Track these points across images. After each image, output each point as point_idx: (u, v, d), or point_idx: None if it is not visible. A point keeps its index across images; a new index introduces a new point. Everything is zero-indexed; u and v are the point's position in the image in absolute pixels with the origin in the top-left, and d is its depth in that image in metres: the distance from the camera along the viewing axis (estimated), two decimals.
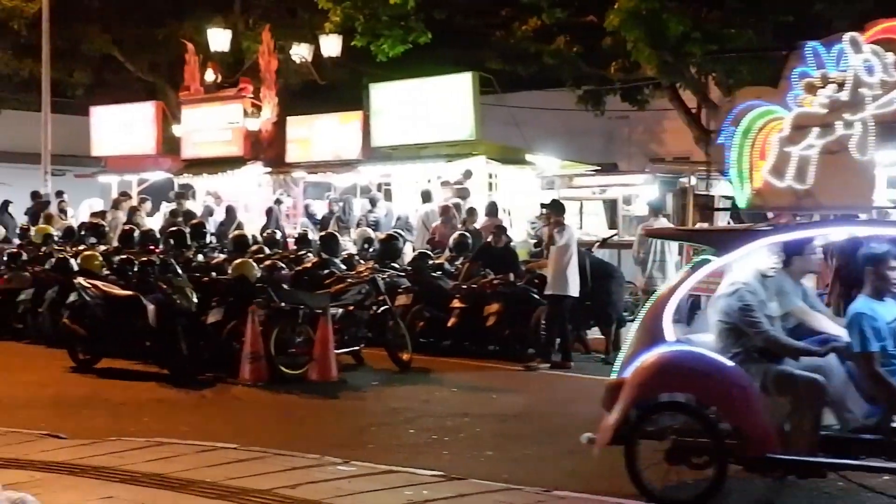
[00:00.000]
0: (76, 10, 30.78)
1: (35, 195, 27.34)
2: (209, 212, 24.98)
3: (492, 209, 20.95)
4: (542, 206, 19.72)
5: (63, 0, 29.50)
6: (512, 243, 18.63)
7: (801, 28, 21.38)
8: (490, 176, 23.20)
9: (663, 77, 24.02)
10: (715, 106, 24.31)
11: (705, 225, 20.07)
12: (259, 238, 19.79)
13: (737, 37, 21.37)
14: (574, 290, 15.52)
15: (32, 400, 12.71)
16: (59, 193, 27.91)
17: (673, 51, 22.09)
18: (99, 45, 32.19)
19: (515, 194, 23.04)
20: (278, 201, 24.64)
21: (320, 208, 24.71)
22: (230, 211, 24.86)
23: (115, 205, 25.88)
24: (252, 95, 27.45)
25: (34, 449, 9.28)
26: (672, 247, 16.92)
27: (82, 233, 21.68)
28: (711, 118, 25.24)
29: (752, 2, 21.60)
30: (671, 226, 17.25)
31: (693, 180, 19.99)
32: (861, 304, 8.25)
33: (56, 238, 21.01)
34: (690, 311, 19.25)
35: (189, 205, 25.39)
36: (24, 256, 19.28)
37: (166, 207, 26.02)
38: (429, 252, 18.70)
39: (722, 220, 20.43)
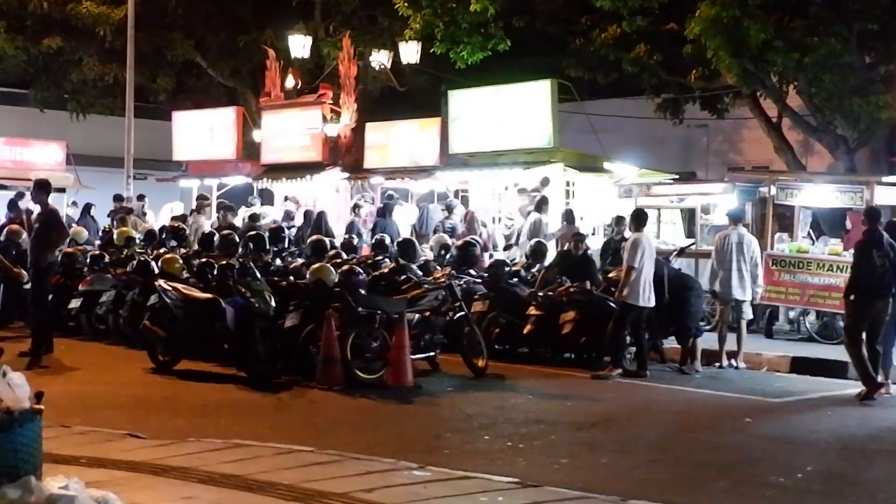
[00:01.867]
0: (160, 17, 31.22)
1: (117, 198, 27.74)
2: (289, 216, 25.17)
3: (569, 217, 20.94)
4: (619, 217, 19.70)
5: (148, 6, 29.93)
6: (590, 251, 18.60)
7: (886, 37, 21.15)
8: (567, 184, 23.15)
9: (744, 85, 23.84)
10: (795, 115, 24.10)
11: (785, 235, 19.97)
12: (337, 243, 19.92)
13: (820, 45, 21.14)
14: (643, 300, 15.43)
15: (113, 400, 12.89)
16: (141, 197, 28.31)
17: (754, 59, 21.92)
18: (182, 50, 32.58)
19: (593, 202, 22.96)
20: (356, 206, 24.72)
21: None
22: (308, 216, 25.03)
23: (198, 209, 26.16)
24: (331, 101, 27.61)
25: (115, 448, 9.41)
26: (748, 257, 16.75)
27: (163, 236, 21.95)
28: (792, 127, 25.05)
29: (837, 10, 21.36)
30: (749, 235, 17.06)
31: (773, 190, 19.78)
32: None
33: (138, 241, 21.28)
34: (769, 321, 19.21)
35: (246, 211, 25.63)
36: (107, 259, 19.54)
37: (245, 212, 26.25)
38: (505, 259, 18.71)
39: (802, 231, 20.34)
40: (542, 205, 21.49)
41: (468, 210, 22.50)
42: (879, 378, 14.33)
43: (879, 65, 22.24)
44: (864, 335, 14.10)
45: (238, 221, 25.17)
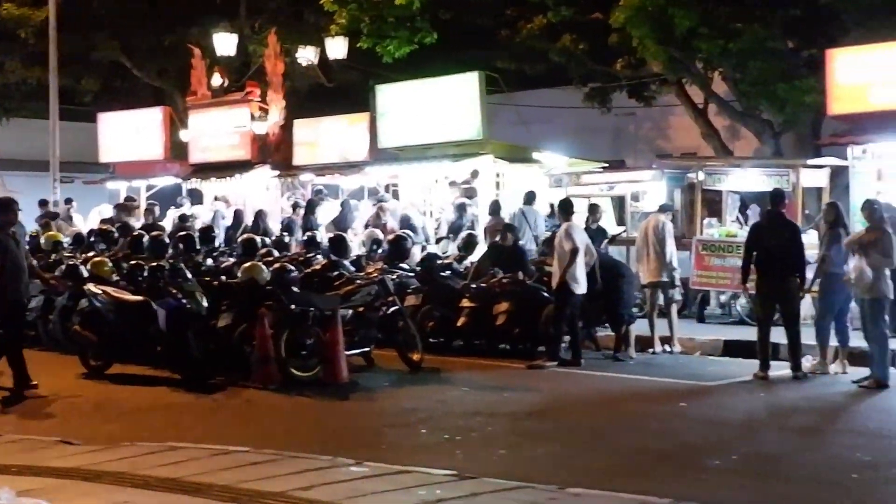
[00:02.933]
0: (84, 18, 30.85)
1: (42, 203, 27.39)
2: (219, 216, 25.04)
3: (495, 208, 20.96)
4: (551, 205, 19.78)
5: (71, 8, 29.57)
6: (521, 242, 18.65)
7: (810, 22, 21.37)
8: (497, 175, 23.20)
9: (670, 73, 24.01)
10: (722, 101, 24.30)
11: (714, 220, 20.15)
12: (268, 241, 19.82)
13: (744, 31, 21.32)
14: (580, 288, 15.50)
15: (45, 407, 12.73)
16: (68, 201, 27.98)
17: (680, 46, 22.07)
18: (107, 51, 32.28)
19: (523, 193, 23.01)
20: (296, 205, 24.56)
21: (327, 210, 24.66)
22: (238, 215, 24.91)
23: (127, 210, 25.92)
24: (259, 99, 27.47)
25: (48, 455, 9.29)
26: (670, 240, 16.98)
27: (91, 239, 21.70)
28: (718, 113, 25.26)
29: None
30: (669, 224, 17.25)
31: (701, 176, 19.95)
32: None
33: (66, 245, 21.01)
34: (700, 306, 19.37)
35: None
36: (35, 263, 19.26)
37: (174, 212, 26.06)
38: (437, 252, 18.72)
39: (730, 215, 20.54)
40: (471, 197, 21.54)
41: (379, 203, 22.51)
42: (810, 358, 14.58)
43: (803, 50, 22.47)
44: (772, 315, 14.46)
45: (168, 222, 25.00)
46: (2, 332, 13.66)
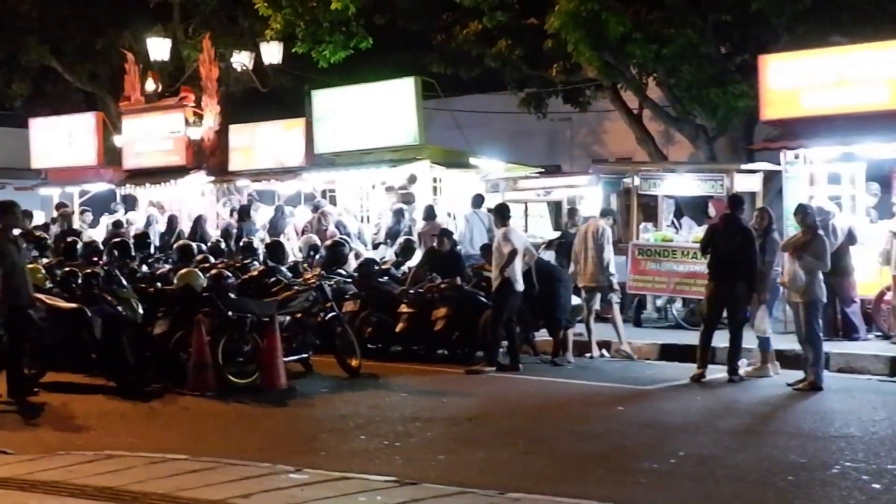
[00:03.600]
0: (13, 21, 30.49)
1: None
2: (153, 221, 24.85)
3: (429, 213, 20.97)
4: (489, 210, 19.81)
5: (0, 10, 29.21)
6: (458, 247, 18.67)
7: (740, 27, 21.60)
8: (435, 180, 23.22)
9: (604, 78, 24.12)
10: (656, 106, 24.48)
11: (650, 225, 20.30)
12: (204, 247, 19.69)
13: (677, 36, 21.49)
14: (520, 286, 15.58)
15: None
16: None
17: (614, 52, 22.20)
18: (37, 55, 31.90)
19: (460, 198, 23.06)
20: (234, 210, 24.35)
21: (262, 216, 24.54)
22: (172, 220, 24.73)
23: (61, 216, 25.66)
24: (193, 104, 27.28)
25: None
26: (608, 246, 17.04)
27: (24, 245, 21.40)
28: (652, 118, 25.45)
29: (692, 1, 21.75)
30: (608, 229, 17.27)
31: (637, 181, 20.10)
32: None
33: None
34: (637, 310, 19.50)
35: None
36: None
37: (108, 218, 25.83)
38: (375, 258, 18.71)
39: (666, 219, 20.70)
40: (409, 202, 21.55)
41: (321, 209, 22.47)
42: (745, 362, 14.76)
43: (735, 55, 22.70)
44: (719, 318, 14.61)
45: (101, 229, 24.77)
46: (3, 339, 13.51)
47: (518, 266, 15.51)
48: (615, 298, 17.21)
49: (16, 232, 14.51)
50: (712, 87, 21.55)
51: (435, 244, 18.01)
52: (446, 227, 19.69)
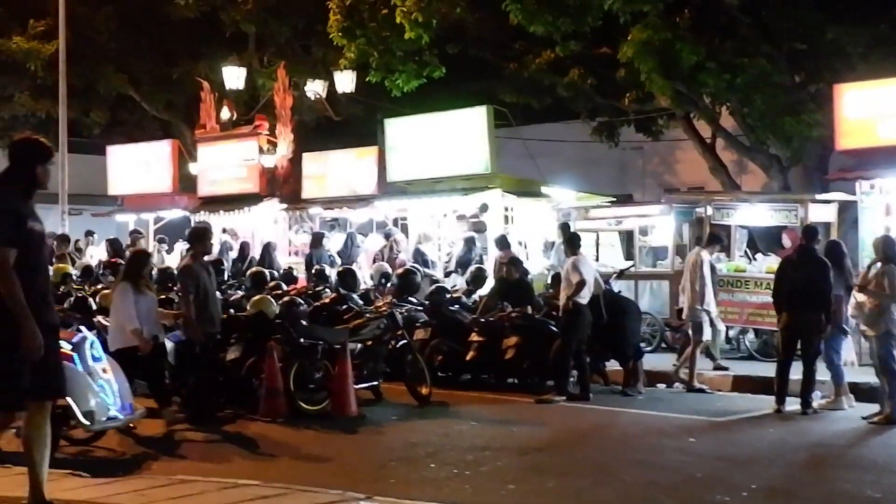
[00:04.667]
0: (93, 51, 31.01)
1: (50, 235, 27.42)
2: (227, 248, 25.09)
3: (502, 242, 20.95)
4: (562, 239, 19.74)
5: (79, 41, 29.72)
6: (529, 276, 18.66)
7: (814, 55, 21.46)
8: (506, 209, 23.23)
9: (677, 107, 24.08)
10: (729, 135, 24.35)
11: (722, 255, 20.14)
12: (276, 274, 19.84)
13: (750, 65, 21.40)
14: (587, 316, 15.56)
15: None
16: (89, 233, 28.10)
17: (686, 81, 22.14)
18: (115, 84, 32.43)
19: (531, 227, 23.09)
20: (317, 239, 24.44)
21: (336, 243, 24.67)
22: (245, 248, 24.95)
23: (132, 243, 25.99)
24: (267, 132, 27.59)
25: (58, 488, 9.26)
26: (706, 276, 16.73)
27: (100, 272, 21.74)
28: (726, 148, 25.31)
29: (765, 30, 21.64)
30: (707, 258, 16.92)
31: (709, 210, 19.97)
32: None
33: (74, 277, 21.06)
34: None
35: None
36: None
37: (182, 246, 26.11)
38: (445, 286, 18.74)
39: (739, 250, 20.53)
40: (480, 230, 21.57)
41: (392, 237, 22.58)
42: (819, 394, 14.58)
43: (809, 83, 22.56)
44: (794, 350, 14.45)
45: (176, 255, 25.06)
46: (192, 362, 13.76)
47: (584, 297, 15.47)
48: (706, 335, 16.78)
49: (206, 258, 14.64)
50: (786, 117, 21.44)
51: (503, 273, 18.02)
52: (516, 255, 19.68)
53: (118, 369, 11.53)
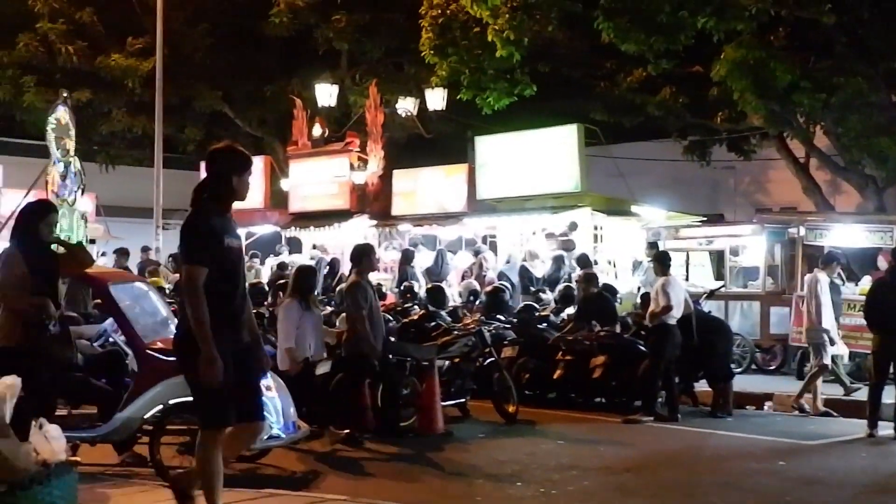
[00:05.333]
0: (188, 68, 31.47)
1: (145, 249, 27.87)
2: (317, 264, 25.28)
3: (583, 261, 20.88)
4: (650, 257, 19.62)
5: (175, 58, 30.19)
6: (618, 295, 18.57)
7: None
8: (595, 227, 23.17)
9: (770, 127, 23.87)
10: (823, 155, 24.07)
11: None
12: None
13: (846, 85, 21.15)
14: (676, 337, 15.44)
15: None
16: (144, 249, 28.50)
17: (780, 100, 21.94)
18: (209, 101, 32.88)
19: (620, 246, 23.00)
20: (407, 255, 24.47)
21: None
22: (335, 264, 25.13)
23: None
24: (358, 149, 27.80)
25: (147, 499, 9.42)
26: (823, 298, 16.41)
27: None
28: (819, 167, 25.02)
29: (861, 49, 21.38)
30: (825, 279, 16.62)
31: (802, 231, 19.74)
32: None
33: (167, 291, 21.34)
34: (800, 363, 19.08)
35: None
36: None
37: (273, 260, 26.38)
38: (534, 304, 18.72)
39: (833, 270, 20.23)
40: (569, 249, 21.53)
41: (481, 255, 22.59)
42: None
43: None
44: (887, 373, 14.22)
45: (266, 270, 25.31)
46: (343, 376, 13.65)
47: (676, 316, 15.37)
48: (825, 358, 16.41)
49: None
50: (882, 136, 21.17)
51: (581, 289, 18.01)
52: (592, 272, 19.54)
53: (283, 387, 11.59)
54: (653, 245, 20.92)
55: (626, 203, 23.87)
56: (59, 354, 9.58)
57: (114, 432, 10.45)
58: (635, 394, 15.99)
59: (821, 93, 21.47)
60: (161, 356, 10.29)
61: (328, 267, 25.51)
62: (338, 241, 27.82)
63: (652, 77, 25.04)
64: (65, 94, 22.89)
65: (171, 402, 10.19)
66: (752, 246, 21.10)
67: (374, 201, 27.59)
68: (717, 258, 22.11)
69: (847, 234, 19.75)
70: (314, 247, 27.76)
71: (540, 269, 22.35)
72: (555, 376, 16.58)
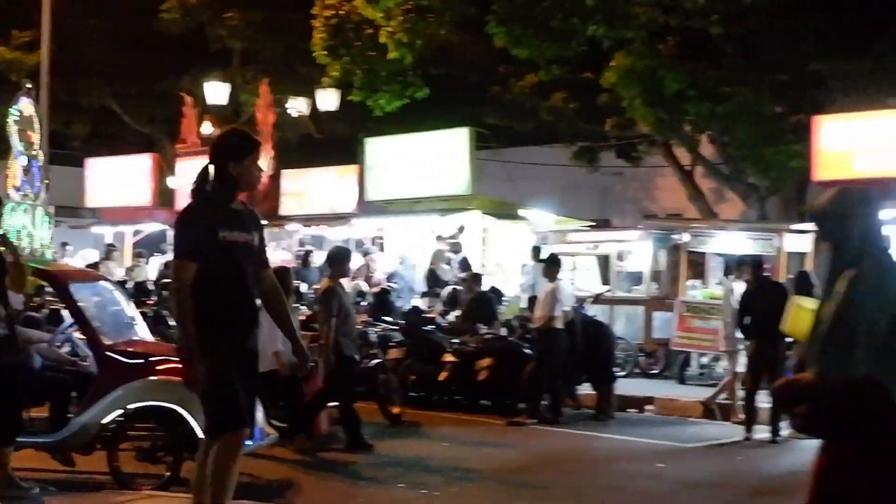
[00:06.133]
0: (76, 63, 30.93)
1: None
2: None
3: (464, 265, 21.04)
4: (537, 260, 19.72)
5: (63, 52, 29.64)
6: (504, 298, 18.67)
7: (797, 87, 21.57)
8: (484, 230, 23.26)
9: (658, 134, 24.16)
10: (708, 163, 24.44)
11: (698, 282, 20.21)
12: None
13: (733, 95, 21.49)
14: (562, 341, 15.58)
15: None
16: (64, 245, 27.97)
17: (668, 108, 22.22)
18: (98, 97, 32.36)
19: (509, 249, 23.12)
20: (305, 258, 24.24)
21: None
22: None
23: (107, 255, 25.95)
24: None
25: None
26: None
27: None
28: (705, 175, 25.40)
29: (750, 60, 21.74)
30: (731, 286, 16.80)
31: (686, 237, 20.04)
32: None
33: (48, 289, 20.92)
34: (681, 367, 19.34)
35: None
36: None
37: (159, 259, 26.05)
38: (420, 306, 18.74)
39: (714, 277, 20.58)
40: (457, 251, 21.61)
41: (369, 256, 22.58)
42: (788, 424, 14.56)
43: (790, 115, 22.64)
44: (761, 378, 14.45)
45: (152, 268, 24.99)
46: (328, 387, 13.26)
47: (560, 321, 15.51)
48: (738, 365, 16.12)
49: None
50: (766, 147, 21.52)
51: (463, 287, 18.12)
52: (477, 273, 19.61)
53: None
54: (536, 249, 21.04)
55: (515, 207, 23.99)
56: (6, 359, 8.75)
57: (71, 437, 9.84)
58: (520, 396, 16.08)
59: (708, 102, 21.79)
60: (123, 358, 9.95)
61: None
62: None
63: (544, 82, 25.20)
64: (28, 86, 22.30)
65: (132, 406, 9.80)
66: (637, 251, 21.35)
67: (263, 201, 27.32)
68: (604, 263, 22.32)
69: (729, 242, 20.08)
70: None
71: (449, 274, 22.38)
72: (441, 378, 16.60)
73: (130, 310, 11.41)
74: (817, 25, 20.57)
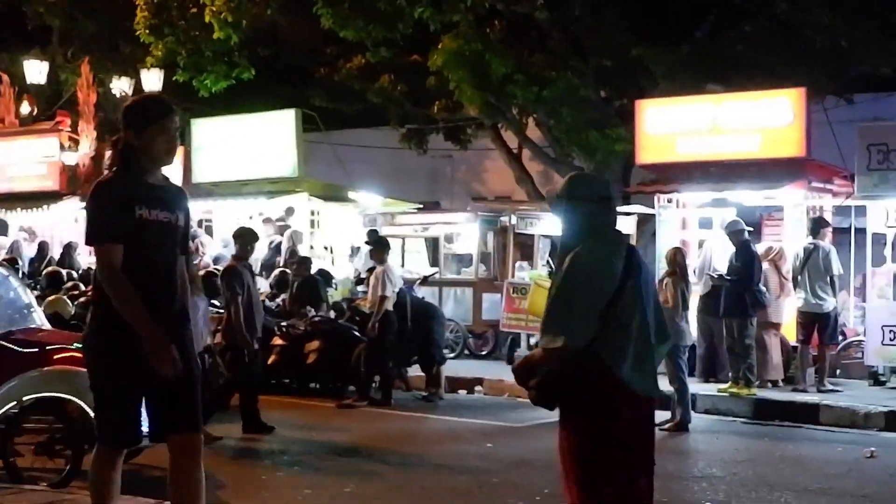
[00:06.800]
0: None
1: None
2: (16, 247, 24.38)
3: (291, 248, 20.97)
4: (367, 242, 19.74)
5: None
6: (335, 281, 18.61)
7: (620, 72, 21.98)
8: (312, 213, 23.13)
9: (485, 117, 24.35)
10: (535, 146, 24.74)
11: (526, 264, 20.45)
12: (75, 275, 19.33)
13: (558, 79, 21.79)
14: (393, 323, 15.63)
15: None
16: None
17: (495, 92, 22.41)
18: None
19: (338, 232, 23.06)
20: None
21: None
22: (43, 247, 24.25)
23: None
24: (69, 129, 26.85)
25: None
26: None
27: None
28: (532, 158, 25.71)
29: (574, 45, 22.06)
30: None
31: (514, 219, 20.25)
32: None
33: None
34: (510, 348, 19.57)
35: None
36: None
37: None
38: None
39: (541, 259, 20.88)
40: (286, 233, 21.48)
41: (197, 239, 22.27)
42: None
43: (614, 99, 23.09)
44: None
45: None
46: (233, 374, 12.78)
47: (390, 304, 15.55)
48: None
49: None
50: (591, 130, 21.88)
51: (290, 270, 18.06)
52: (305, 256, 19.53)
53: None
54: (372, 232, 21.05)
55: (343, 189, 23.93)
56: None
57: None
58: (350, 379, 16.07)
59: (534, 86, 22.05)
60: (17, 348, 9.56)
61: (37, 250, 24.57)
62: (47, 224, 26.82)
63: (372, 64, 25.15)
64: None
65: (27, 398, 9.38)
66: (466, 233, 21.51)
67: (85, 183, 26.66)
68: (433, 245, 22.43)
69: (556, 224, 20.32)
70: (21, 229, 26.67)
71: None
72: (269, 362, 16.44)
73: (27, 296, 10.95)
74: (640, 13, 20.99)
